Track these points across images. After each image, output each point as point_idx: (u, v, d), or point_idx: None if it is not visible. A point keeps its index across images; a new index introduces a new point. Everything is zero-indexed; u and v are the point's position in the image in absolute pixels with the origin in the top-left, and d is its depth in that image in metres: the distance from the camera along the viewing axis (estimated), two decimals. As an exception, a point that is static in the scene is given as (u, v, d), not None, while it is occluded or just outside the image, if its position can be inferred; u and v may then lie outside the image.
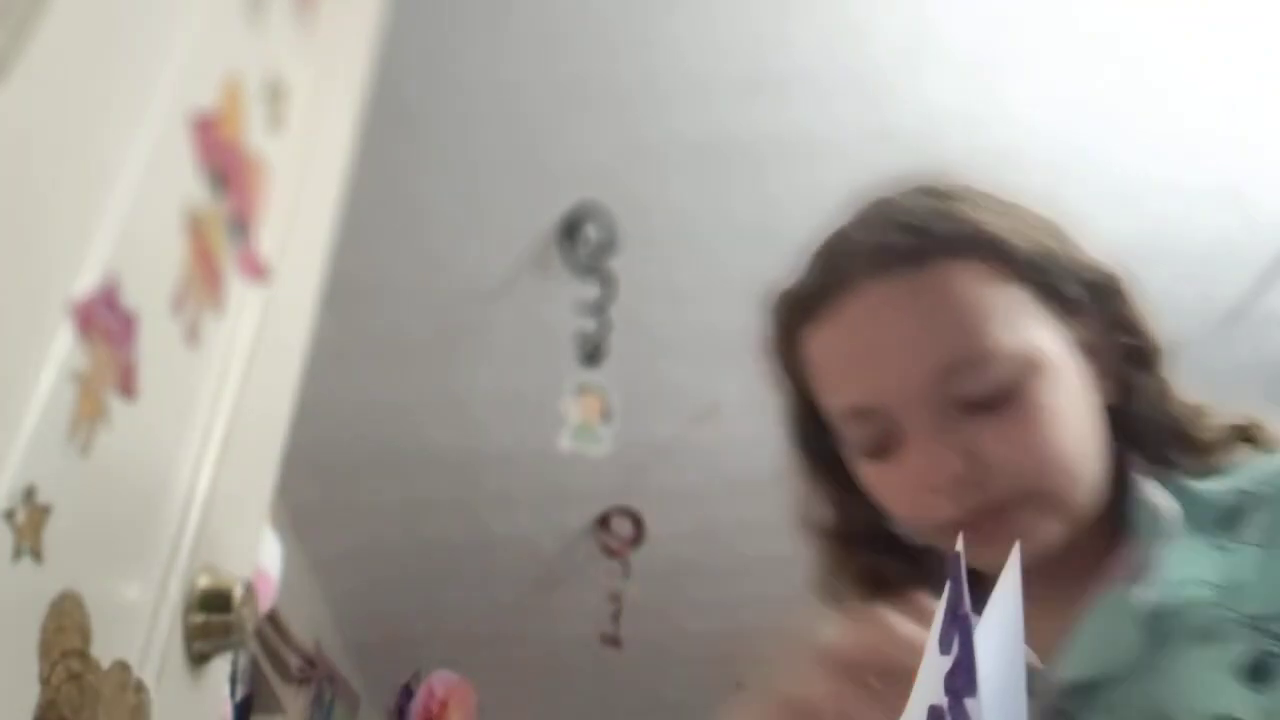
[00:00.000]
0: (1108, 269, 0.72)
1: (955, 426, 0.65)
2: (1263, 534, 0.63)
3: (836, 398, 0.70)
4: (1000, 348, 0.65)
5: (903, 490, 0.68)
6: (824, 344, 0.71)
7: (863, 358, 0.68)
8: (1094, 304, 0.70)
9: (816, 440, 0.76)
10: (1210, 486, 0.68)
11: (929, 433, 0.65)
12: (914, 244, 0.67)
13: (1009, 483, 0.64)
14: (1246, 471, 0.68)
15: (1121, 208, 2.16)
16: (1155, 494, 0.68)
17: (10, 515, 0.59)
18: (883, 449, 0.68)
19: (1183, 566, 0.64)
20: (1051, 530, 0.66)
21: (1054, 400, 0.65)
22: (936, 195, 0.72)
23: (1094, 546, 0.68)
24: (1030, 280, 0.68)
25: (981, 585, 0.71)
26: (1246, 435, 0.72)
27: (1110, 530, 0.68)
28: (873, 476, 0.70)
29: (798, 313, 0.73)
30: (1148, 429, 0.71)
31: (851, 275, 0.69)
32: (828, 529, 0.81)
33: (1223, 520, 0.65)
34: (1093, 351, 0.70)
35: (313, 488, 2.62)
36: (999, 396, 0.65)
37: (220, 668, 0.87)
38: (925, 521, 0.68)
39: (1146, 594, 0.63)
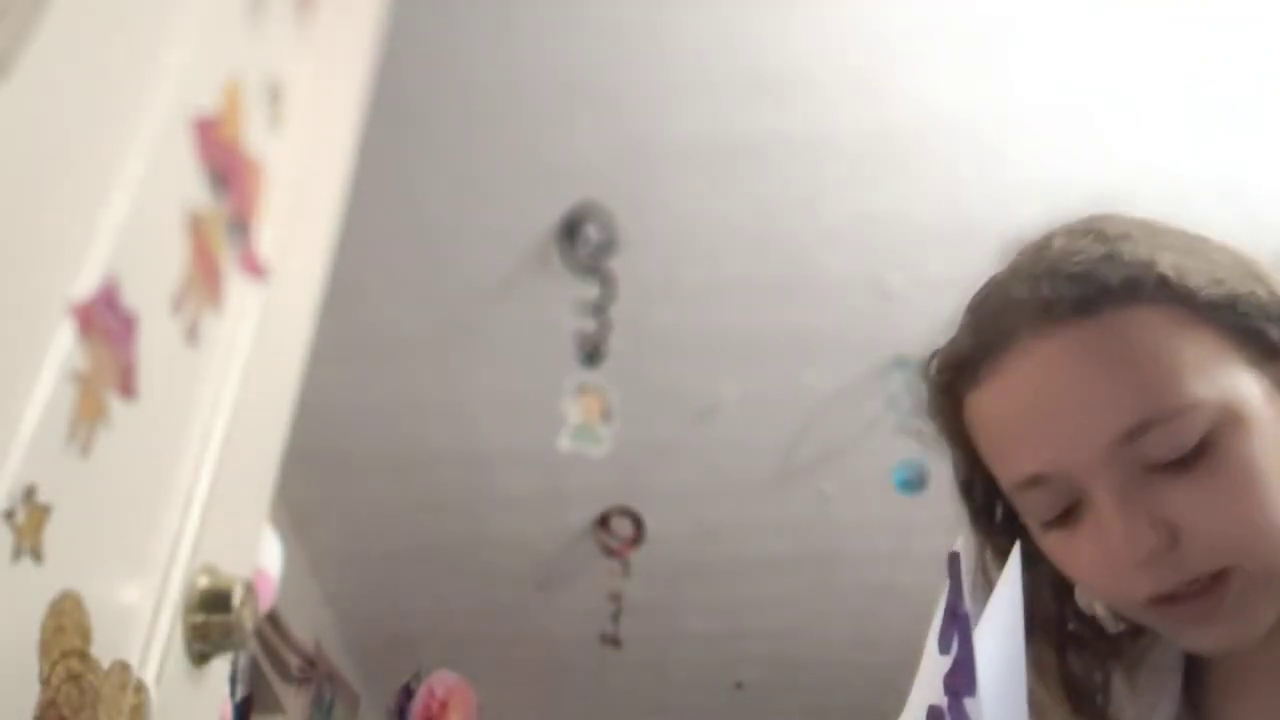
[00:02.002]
0: None
1: (1145, 493, 0.58)
2: None
3: (1009, 466, 0.64)
4: (1193, 400, 0.58)
5: (1093, 564, 0.62)
6: (989, 409, 0.65)
7: (1036, 422, 0.62)
8: None
9: (987, 508, 0.71)
10: None
11: (1117, 502, 0.59)
12: (1082, 293, 0.61)
13: (1212, 554, 0.58)
14: None
15: (1121, 207, 2.15)
16: None
17: (10, 515, 0.59)
18: (1066, 517, 0.62)
19: None
20: (1266, 606, 0.59)
21: (1256, 455, 0.58)
22: (1101, 237, 0.65)
23: None
24: (1221, 323, 0.61)
25: (1199, 670, 0.67)
26: None
27: None
28: (1057, 547, 0.64)
29: (957, 376, 0.67)
30: None
31: (1015, 332, 0.63)
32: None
33: None
34: None
35: (313, 488, 2.62)
36: (1194, 454, 0.58)
37: (220, 668, 0.87)
38: (1126, 596, 0.61)
39: None
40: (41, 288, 0.63)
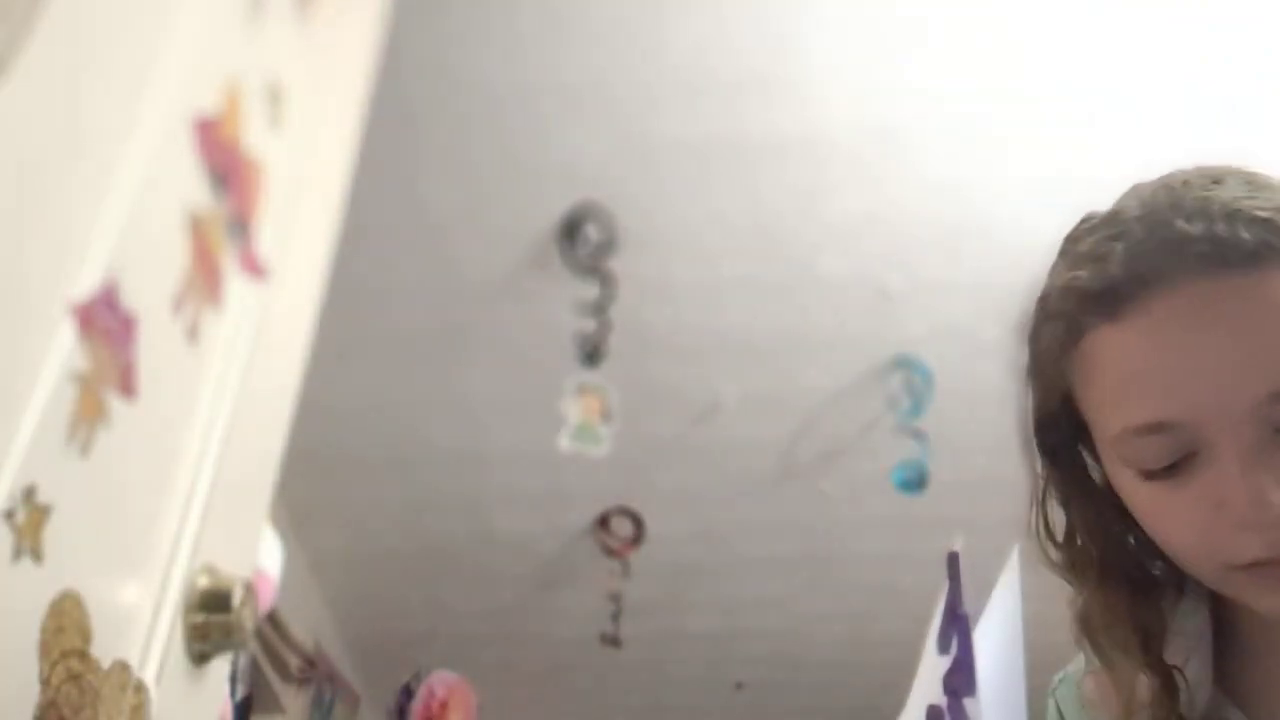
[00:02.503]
0: None
1: (1276, 457, 0.57)
2: None
3: (1131, 409, 0.61)
4: None
5: (1196, 519, 0.60)
6: (1126, 347, 0.61)
7: (1181, 368, 0.59)
8: None
9: (1064, 451, 0.69)
10: None
11: (1249, 461, 0.57)
12: (1263, 240, 0.58)
13: None
14: None
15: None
16: None
17: (10, 515, 0.59)
18: (1173, 469, 0.60)
19: None
20: None
21: None
22: (1274, 188, 0.63)
23: None
24: None
25: (1223, 637, 0.68)
26: None
27: None
28: (1154, 499, 0.62)
29: (1091, 306, 0.62)
30: None
31: (1174, 271, 0.59)
32: (1085, 555, 0.70)
33: None
34: None
35: (313, 488, 2.62)
36: None
37: (220, 668, 0.87)
38: (1219, 557, 0.60)
39: None
40: (41, 288, 0.63)
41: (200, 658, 0.81)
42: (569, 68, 1.91)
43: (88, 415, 0.66)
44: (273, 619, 2.41)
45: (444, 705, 2.87)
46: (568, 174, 2.07)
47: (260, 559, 1.28)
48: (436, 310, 2.33)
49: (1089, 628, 0.69)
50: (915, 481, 2.53)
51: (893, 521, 2.80)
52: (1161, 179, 0.68)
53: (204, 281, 0.84)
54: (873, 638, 3.31)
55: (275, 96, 1.00)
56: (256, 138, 0.95)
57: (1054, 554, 0.70)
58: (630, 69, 1.92)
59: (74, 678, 0.63)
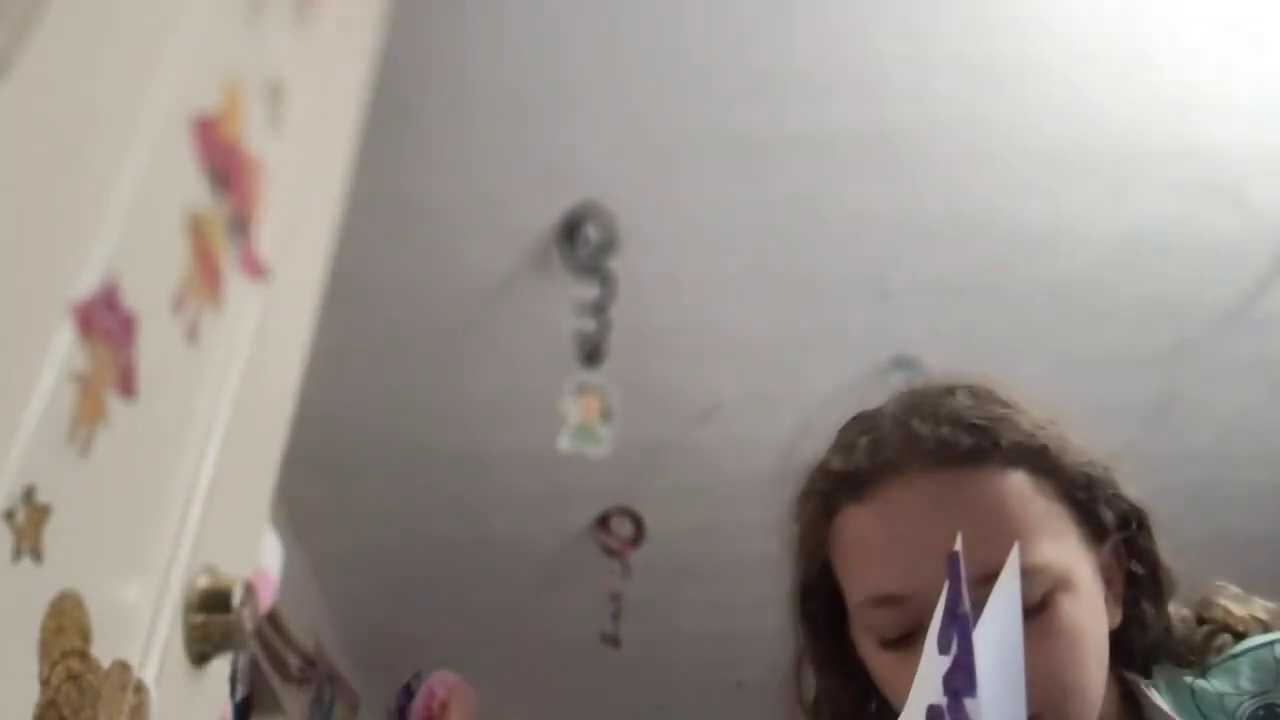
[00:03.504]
0: (1140, 503, 0.73)
1: None
2: None
3: (869, 581, 0.69)
4: (1045, 561, 0.65)
5: None
6: (866, 525, 0.70)
7: (909, 547, 0.67)
8: (1120, 533, 0.72)
9: (822, 619, 0.77)
10: (1220, 688, 0.68)
11: None
12: (977, 444, 0.68)
13: (1031, 700, 0.62)
14: (1239, 668, 0.69)
15: (1122, 207, 2.16)
16: (1161, 703, 0.68)
17: (10, 515, 0.59)
18: (903, 640, 0.67)
19: None
20: None
21: (1081, 620, 0.66)
22: (994, 400, 0.72)
23: None
24: (1071, 500, 0.69)
25: None
26: (1224, 627, 0.73)
27: None
28: (887, 666, 0.69)
29: (840, 489, 0.72)
30: (1142, 649, 0.72)
31: (906, 463, 0.69)
32: (818, 712, 0.80)
33: None
34: (1109, 578, 0.71)
35: (313, 488, 2.62)
36: (1034, 609, 0.64)
37: (220, 668, 0.87)
38: None
39: None
40: (41, 288, 0.63)
41: (200, 658, 0.81)
42: (569, 68, 1.91)
43: (88, 415, 0.66)
44: (273, 619, 2.41)
45: (444, 705, 2.87)
46: (568, 174, 2.07)
47: (260, 559, 1.28)
48: (436, 310, 2.33)
49: None
50: (915, 481, 2.52)
51: (893, 521, 2.79)
52: (912, 386, 0.80)
53: (204, 281, 0.84)
54: (873, 638, 3.30)
55: (275, 96, 1.00)
56: (256, 137, 0.95)
57: (800, 716, 0.81)
58: (630, 69, 1.92)
59: (74, 678, 0.63)
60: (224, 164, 0.87)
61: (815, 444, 0.86)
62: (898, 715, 0.68)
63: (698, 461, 2.75)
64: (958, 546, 0.49)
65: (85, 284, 0.67)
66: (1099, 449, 0.74)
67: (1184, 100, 2.01)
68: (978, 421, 0.69)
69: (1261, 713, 0.66)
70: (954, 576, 0.47)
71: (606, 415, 2.22)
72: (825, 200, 2.13)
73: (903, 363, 2.40)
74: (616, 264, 2.17)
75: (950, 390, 0.75)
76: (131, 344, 0.72)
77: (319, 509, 2.73)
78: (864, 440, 0.73)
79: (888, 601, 0.68)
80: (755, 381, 2.52)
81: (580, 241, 2.15)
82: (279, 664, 2.61)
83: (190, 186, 0.82)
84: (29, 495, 0.60)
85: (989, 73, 1.96)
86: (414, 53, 1.83)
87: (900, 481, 0.69)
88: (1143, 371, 2.53)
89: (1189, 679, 0.69)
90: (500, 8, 1.84)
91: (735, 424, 2.61)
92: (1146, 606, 0.73)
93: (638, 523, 2.91)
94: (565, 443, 2.21)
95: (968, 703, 0.43)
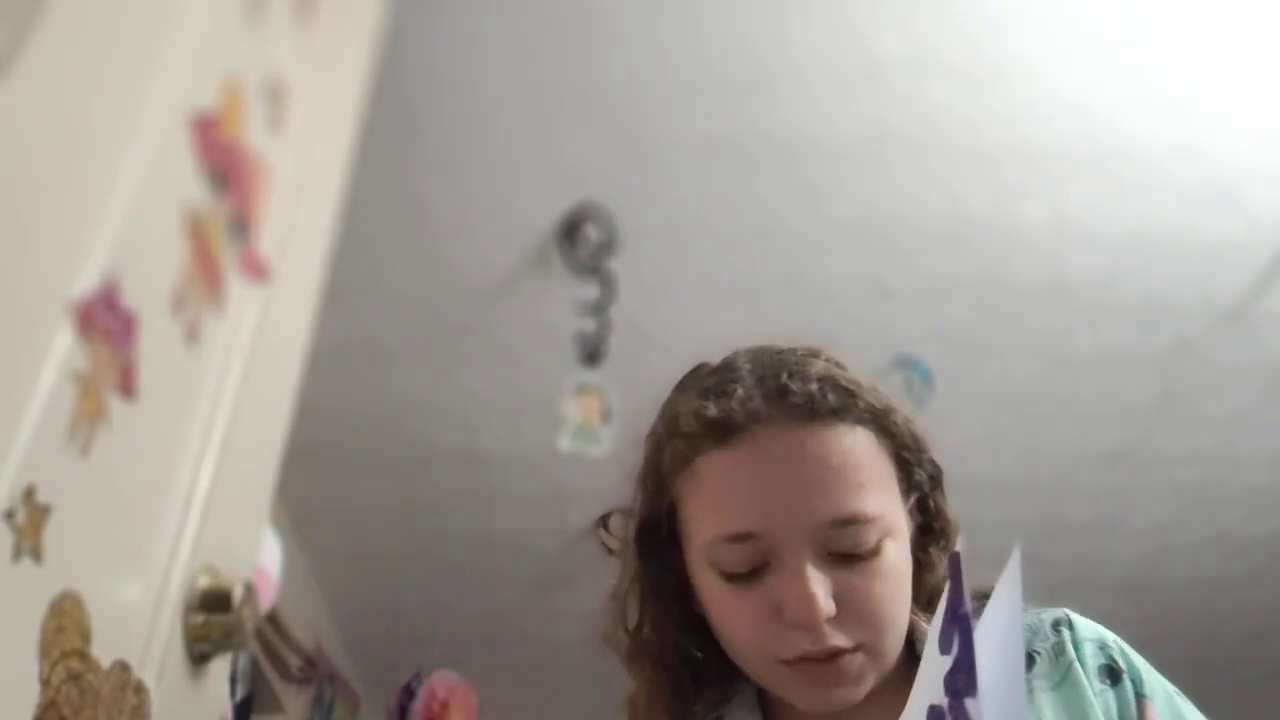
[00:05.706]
0: (938, 463, 0.83)
1: (828, 572, 0.72)
2: (1047, 678, 0.75)
3: (725, 519, 0.75)
4: (880, 512, 0.74)
5: (758, 617, 0.74)
6: (726, 468, 0.76)
7: (764, 489, 0.74)
8: (923, 489, 0.82)
9: (659, 550, 0.84)
10: None
11: (808, 571, 0.71)
12: (841, 403, 0.76)
13: (856, 631, 0.72)
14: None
15: (1122, 208, 2.16)
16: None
17: (10, 515, 0.58)
18: (748, 576, 0.74)
19: None
20: (871, 679, 0.74)
21: (900, 565, 0.75)
22: (843, 369, 0.81)
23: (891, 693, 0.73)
24: (898, 459, 0.79)
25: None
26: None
27: (901, 678, 0.74)
28: (727, 598, 0.76)
29: (712, 433, 0.77)
30: (926, 590, 0.82)
31: (776, 414, 0.75)
32: (648, 646, 0.88)
33: None
34: (914, 526, 0.81)
35: (313, 488, 2.62)
36: (865, 554, 0.73)
37: (220, 668, 0.87)
38: (771, 651, 0.73)
39: None
40: (41, 288, 0.63)
41: (200, 658, 0.81)
42: (569, 68, 1.91)
43: (88, 415, 0.66)
44: (273, 619, 2.41)
45: (444, 705, 2.87)
46: (568, 174, 2.07)
47: (260, 559, 1.28)
48: (436, 311, 2.33)
49: (632, 712, 0.91)
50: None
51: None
52: (762, 346, 0.88)
53: (204, 281, 0.84)
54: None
55: (275, 96, 1.00)
56: (256, 137, 0.95)
57: (621, 640, 0.90)
58: (631, 69, 1.92)
59: (74, 678, 0.63)
60: (224, 164, 0.87)
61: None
62: (721, 643, 0.79)
63: (698, 461, 2.74)
64: (957, 547, 0.49)
65: (85, 284, 0.67)
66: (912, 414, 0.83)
67: (1184, 100, 2.01)
68: (843, 383, 0.78)
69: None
70: (955, 577, 0.47)
71: (606, 415, 2.22)
72: (825, 200, 2.13)
73: (903, 362, 2.40)
74: (616, 264, 2.17)
75: (814, 353, 0.84)
76: (131, 344, 0.72)
77: (319, 509, 2.73)
78: (736, 389, 0.79)
79: (742, 538, 0.74)
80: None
81: (580, 241, 2.15)
82: (279, 664, 2.61)
83: (190, 186, 0.82)
84: (29, 495, 0.60)
85: (989, 73, 1.96)
86: (415, 54, 1.83)
87: (769, 431, 0.75)
88: (1143, 371, 2.53)
89: None
90: (501, 10, 1.84)
91: (735, 424, 2.61)
92: (934, 553, 0.82)
93: (638, 523, 2.90)
94: (565, 443, 2.21)
95: (968, 703, 0.43)
